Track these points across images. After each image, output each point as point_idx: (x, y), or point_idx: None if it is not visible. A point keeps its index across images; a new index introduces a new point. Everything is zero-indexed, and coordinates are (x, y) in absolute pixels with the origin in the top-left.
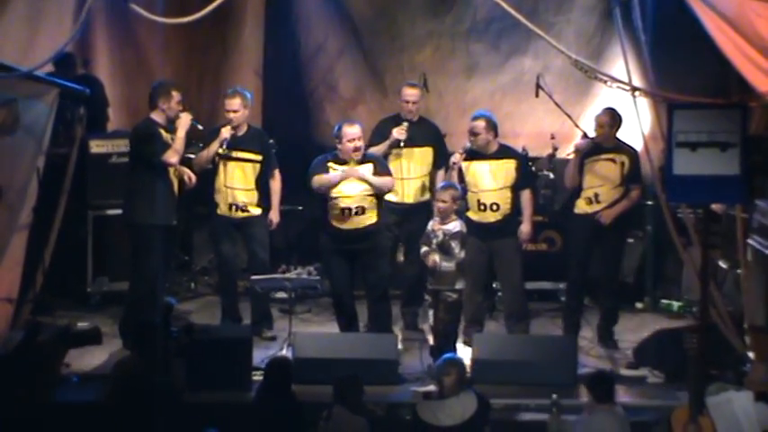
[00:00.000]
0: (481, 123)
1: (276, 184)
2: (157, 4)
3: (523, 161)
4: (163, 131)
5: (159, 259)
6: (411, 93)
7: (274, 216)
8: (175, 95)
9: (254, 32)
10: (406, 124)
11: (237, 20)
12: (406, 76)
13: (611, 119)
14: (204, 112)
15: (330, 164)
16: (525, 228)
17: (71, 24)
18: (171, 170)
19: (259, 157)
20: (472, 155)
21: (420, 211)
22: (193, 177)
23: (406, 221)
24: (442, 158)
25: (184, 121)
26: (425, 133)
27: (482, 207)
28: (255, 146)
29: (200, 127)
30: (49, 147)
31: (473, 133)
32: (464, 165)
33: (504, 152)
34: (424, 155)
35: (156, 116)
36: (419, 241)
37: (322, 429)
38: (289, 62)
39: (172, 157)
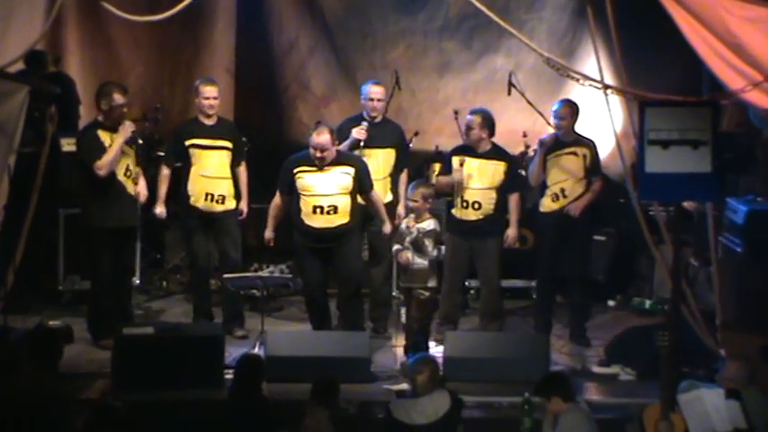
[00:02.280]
0: (477, 119)
1: (244, 174)
2: (129, 1)
3: (514, 164)
4: (105, 133)
5: (106, 261)
6: (376, 90)
7: (243, 206)
8: (117, 98)
9: (225, 30)
10: (365, 124)
11: (209, 17)
12: (379, 74)
13: (573, 110)
14: (176, 110)
15: (299, 168)
16: (512, 232)
17: (42, 22)
18: (120, 173)
19: (230, 144)
20: (464, 150)
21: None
22: (143, 195)
23: (369, 222)
24: (404, 160)
25: (124, 130)
26: (389, 134)
27: (464, 204)
28: (226, 134)
29: (140, 141)
30: (20, 145)
31: (468, 127)
32: (455, 159)
33: (496, 153)
34: (386, 156)
35: (100, 117)
36: (393, 240)
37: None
38: (261, 60)
39: (101, 168)
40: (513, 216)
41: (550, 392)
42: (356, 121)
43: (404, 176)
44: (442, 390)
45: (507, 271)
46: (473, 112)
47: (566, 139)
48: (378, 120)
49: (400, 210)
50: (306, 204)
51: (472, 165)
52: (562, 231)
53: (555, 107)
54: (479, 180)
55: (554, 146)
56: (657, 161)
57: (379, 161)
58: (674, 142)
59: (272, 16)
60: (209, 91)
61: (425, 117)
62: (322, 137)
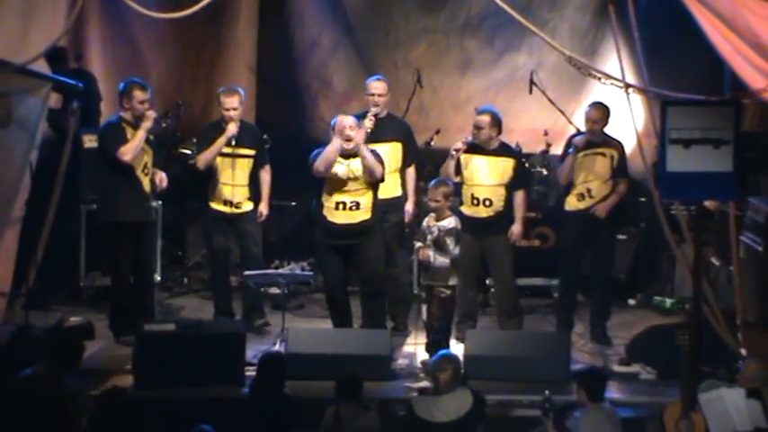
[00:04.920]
0: (486, 118)
1: (267, 177)
2: None
3: (521, 162)
4: (129, 128)
5: (125, 256)
6: (377, 86)
7: (264, 208)
8: (138, 95)
9: (247, 28)
10: (371, 114)
11: (231, 15)
12: (401, 72)
13: (606, 113)
14: (198, 108)
15: None
16: (516, 228)
17: (64, 18)
18: (138, 168)
19: (252, 152)
20: (473, 148)
21: (392, 208)
22: (164, 180)
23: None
24: (411, 155)
25: (147, 119)
26: (394, 128)
27: (475, 201)
28: (248, 141)
29: (163, 125)
30: (41, 141)
31: (477, 127)
32: (463, 157)
33: (504, 150)
34: (393, 150)
35: (125, 113)
36: (414, 237)
37: (330, 429)
38: (283, 57)
39: (125, 154)
40: (518, 213)
41: (582, 384)
42: (360, 117)
43: (411, 171)
44: (464, 388)
45: (528, 269)
46: (481, 112)
47: (595, 139)
48: (382, 115)
49: (408, 206)
50: (328, 200)
51: (482, 163)
52: (586, 231)
53: (587, 110)
54: (490, 177)
55: (583, 145)
56: (679, 160)
57: (385, 155)
58: (696, 141)
59: (295, 14)
60: (230, 101)
61: (447, 115)
62: (348, 118)
